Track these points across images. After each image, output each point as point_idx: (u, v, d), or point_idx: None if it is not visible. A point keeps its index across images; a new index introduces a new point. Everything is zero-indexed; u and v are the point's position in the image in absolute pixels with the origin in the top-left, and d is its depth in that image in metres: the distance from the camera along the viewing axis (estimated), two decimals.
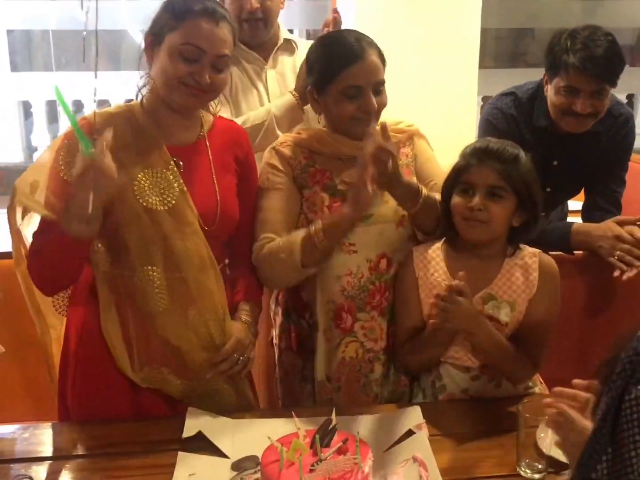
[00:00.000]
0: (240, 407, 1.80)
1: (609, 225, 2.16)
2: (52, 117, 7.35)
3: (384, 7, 3.46)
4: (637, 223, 2.16)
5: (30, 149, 7.50)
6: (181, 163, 1.71)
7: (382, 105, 1.81)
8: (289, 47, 2.50)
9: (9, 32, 7.15)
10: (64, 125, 7.17)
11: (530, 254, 1.80)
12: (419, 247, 1.85)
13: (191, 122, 1.77)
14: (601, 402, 0.92)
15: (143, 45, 1.69)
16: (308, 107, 2.24)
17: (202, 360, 1.73)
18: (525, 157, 1.75)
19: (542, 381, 1.89)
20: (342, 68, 1.76)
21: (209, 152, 1.77)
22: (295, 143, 1.90)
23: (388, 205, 1.84)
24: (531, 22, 7.29)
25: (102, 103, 7.34)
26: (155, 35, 1.66)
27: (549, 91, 2.20)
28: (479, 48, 3.73)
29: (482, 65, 3.74)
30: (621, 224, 2.16)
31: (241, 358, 1.76)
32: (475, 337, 1.71)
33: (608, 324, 2.28)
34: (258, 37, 2.42)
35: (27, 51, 7.97)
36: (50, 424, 1.76)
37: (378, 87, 1.79)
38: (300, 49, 2.48)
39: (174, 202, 1.67)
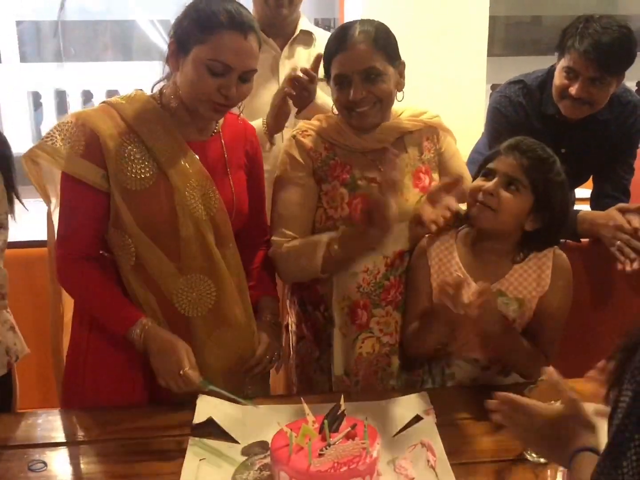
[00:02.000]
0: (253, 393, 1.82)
1: (612, 214, 2.14)
2: (61, 108, 7.37)
3: None
4: (637, 211, 2.13)
5: (39, 139, 7.54)
6: (197, 157, 1.72)
7: (378, 93, 1.79)
8: (307, 38, 2.47)
9: (18, 22, 7.18)
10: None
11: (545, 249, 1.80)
12: (433, 237, 1.84)
13: (207, 123, 1.77)
14: (623, 396, 0.92)
15: (168, 50, 1.68)
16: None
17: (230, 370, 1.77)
18: (559, 167, 1.75)
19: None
20: (332, 57, 1.79)
21: (224, 147, 1.78)
22: (316, 132, 1.88)
23: (408, 203, 1.84)
24: (540, 10, 7.25)
25: (112, 93, 7.37)
26: (180, 44, 1.64)
27: (556, 72, 2.20)
28: (487, 36, 3.73)
29: (490, 53, 3.74)
30: (623, 211, 2.14)
31: (273, 358, 1.81)
32: (492, 332, 1.69)
33: (614, 312, 2.28)
34: (281, 16, 2.38)
35: (36, 42, 7.99)
36: (63, 410, 1.78)
37: (368, 75, 1.77)
38: (318, 41, 2.45)
39: (213, 209, 1.70)
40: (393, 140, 1.87)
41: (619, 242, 2.09)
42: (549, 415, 1.21)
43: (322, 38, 2.43)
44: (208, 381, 1.62)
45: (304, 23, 2.49)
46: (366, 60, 1.76)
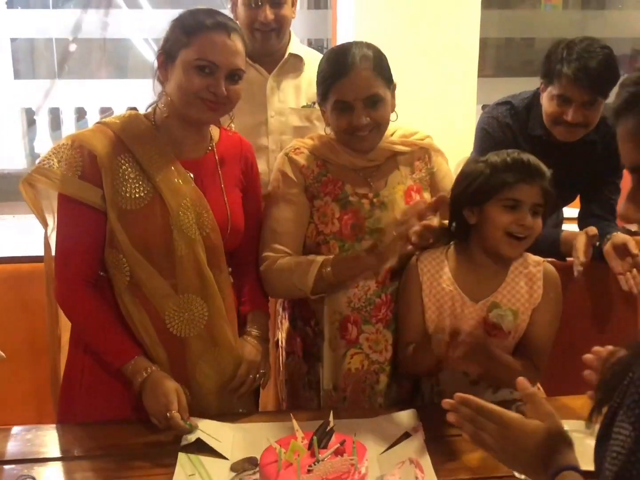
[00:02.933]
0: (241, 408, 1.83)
1: (578, 237, 2.17)
2: (55, 125, 7.39)
3: (384, 17, 3.50)
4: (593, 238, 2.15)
5: (33, 156, 7.52)
6: (192, 175, 1.73)
7: (378, 118, 1.81)
8: (296, 62, 2.47)
9: (13, 40, 7.21)
10: (67, 132, 7.23)
11: (534, 262, 1.83)
12: (424, 253, 1.86)
13: (202, 137, 1.79)
14: (618, 428, 0.91)
15: (156, 64, 1.71)
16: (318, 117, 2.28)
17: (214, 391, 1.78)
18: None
19: (539, 386, 1.90)
20: (332, 82, 1.79)
21: (218, 165, 1.80)
22: (309, 150, 1.90)
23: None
24: (530, 32, 7.33)
25: (105, 110, 7.40)
26: (167, 53, 1.68)
27: (544, 99, 2.23)
28: (477, 57, 3.78)
29: (481, 74, 3.78)
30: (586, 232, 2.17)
31: (257, 376, 1.81)
32: (483, 366, 1.71)
33: (600, 330, 2.31)
34: (270, 47, 2.40)
35: (30, 59, 8.02)
36: (52, 425, 1.78)
37: (370, 101, 1.78)
38: (308, 64, 2.45)
39: (206, 230, 1.71)
40: (384, 160, 1.90)
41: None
42: (525, 428, 1.16)
43: (312, 60, 2.44)
44: (194, 425, 1.63)
45: (294, 46, 2.48)
46: (369, 87, 1.78)
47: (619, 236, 2.20)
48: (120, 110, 7.17)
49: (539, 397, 1.22)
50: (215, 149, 1.81)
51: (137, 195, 1.66)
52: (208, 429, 1.65)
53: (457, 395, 1.24)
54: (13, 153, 7.29)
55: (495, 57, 8.17)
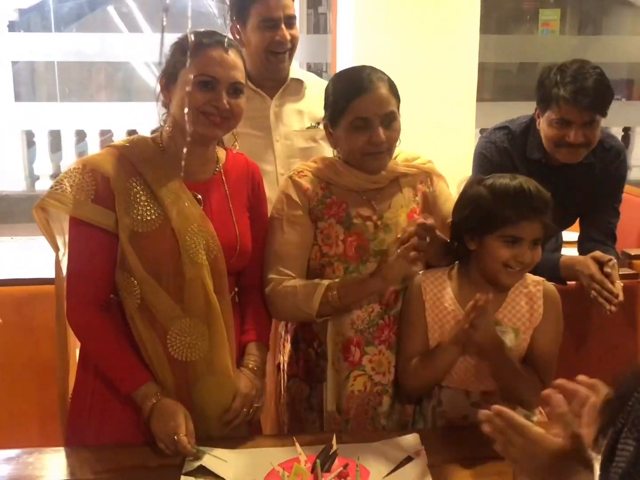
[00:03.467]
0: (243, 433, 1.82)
1: (587, 263, 2.18)
2: (55, 146, 7.43)
3: (384, 42, 3.54)
4: (608, 263, 2.16)
5: (32, 178, 7.56)
6: (200, 197, 1.74)
7: (392, 138, 1.82)
8: (297, 87, 2.47)
9: (14, 63, 7.27)
10: (67, 154, 7.26)
11: (534, 282, 1.84)
12: (427, 272, 1.87)
13: (209, 158, 1.80)
14: (622, 445, 0.91)
15: (158, 88, 1.73)
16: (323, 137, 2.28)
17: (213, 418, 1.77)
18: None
19: (541, 411, 1.90)
20: (350, 100, 1.79)
21: (226, 186, 1.81)
22: (312, 173, 1.91)
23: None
24: (527, 57, 7.42)
25: (105, 133, 7.44)
26: (168, 75, 1.71)
27: (542, 124, 2.25)
28: (476, 82, 3.82)
29: (479, 99, 3.82)
30: (597, 260, 2.18)
31: (251, 410, 1.79)
32: (490, 356, 1.74)
33: (601, 351, 2.31)
34: (281, 70, 2.40)
35: (30, 82, 8.09)
36: (55, 448, 1.77)
37: (387, 120, 1.80)
38: (309, 86, 2.46)
39: (212, 254, 1.72)
40: (387, 182, 1.91)
41: (592, 291, 2.13)
42: (549, 446, 1.18)
43: (312, 83, 2.47)
44: (201, 449, 1.63)
45: (295, 70, 2.49)
46: (388, 104, 1.80)
47: (597, 253, 2.21)
48: (120, 132, 7.23)
49: (570, 417, 1.22)
50: (222, 170, 1.82)
51: (148, 218, 1.67)
52: (211, 455, 1.65)
53: (493, 407, 1.25)
54: (12, 175, 7.32)
55: (493, 81, 8.25)
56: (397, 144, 1.89)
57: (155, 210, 1.68)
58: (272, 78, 2.42)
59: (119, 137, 7.17)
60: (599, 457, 1.24)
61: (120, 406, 1.73)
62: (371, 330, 1.87)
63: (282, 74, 2.42)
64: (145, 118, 6.65)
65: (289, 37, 2.32)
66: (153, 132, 1.81)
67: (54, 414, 1.87)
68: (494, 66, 7.78)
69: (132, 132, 7.25)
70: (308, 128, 2.43)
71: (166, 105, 1.75)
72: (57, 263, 1.80)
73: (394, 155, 1.92)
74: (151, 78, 8.29)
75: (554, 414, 1.24)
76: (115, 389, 1.72)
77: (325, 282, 1.81)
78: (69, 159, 7.18)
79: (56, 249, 1.78)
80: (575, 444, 1.17)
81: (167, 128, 1.76)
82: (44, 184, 7.55)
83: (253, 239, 1.85)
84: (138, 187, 1.69)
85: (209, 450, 1.65)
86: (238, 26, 2.36)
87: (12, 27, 7.29)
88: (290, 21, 2.33)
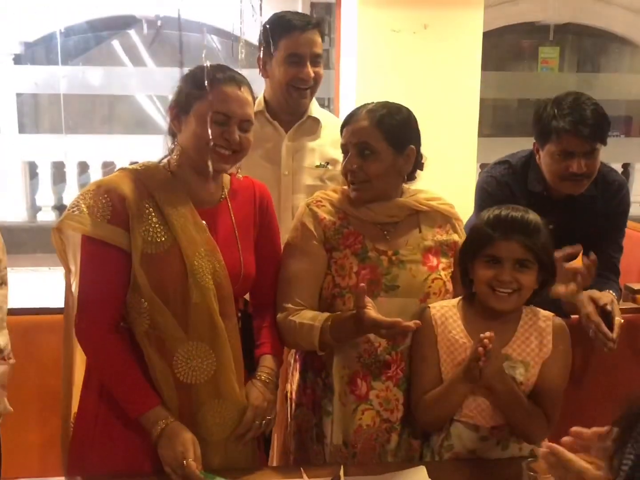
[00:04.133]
0: (248, 463, 1.81)
1: (584, 302, 2.18)
2: (58, 178, 7.48)
3: (386, 78, 3.58)
4: (604, 307, 2.16)
5: (34, 209, 7.60)
6: (205, 224, 1.76)
7: (369, 170, 1.84)
8: (313, 125, 2.48)
9: (18, 95, 7.35)
10: (70, 185, 7.30)
11: (544, 317, 1.84)
12: (436, 305, 1.86)
13: (215, 187, 1.82)
14: (625, 461, 0.94)
15: (168, 117, 1.77)
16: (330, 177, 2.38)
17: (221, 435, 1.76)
18: (542, 222, 1.80)
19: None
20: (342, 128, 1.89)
21: (231, 212, 1.83)
22: (330, 203, 1.93)
23: (415, 280, 1.86)
24: (527, 93, 7.51)
25: (108, 165, 7.49)
26: (180, 106, 1.75)
27: (543, 158, 2.27)
28: (478, 117, 3.86)
29: (479, 134, 3.86)
30: (595, 299, 2.19)
31: (263, 422, 1.79)
32: (497, 391, 1.74)
33: (604, 388, 2.30)
34: (301, 105, 2.42)
35: (34, 113, 8.16)
36: (55, 479, 1.76)
37: (362, 151, 1.85)
38: (325, 126, 2.48)
39: (219, 279, 1.74)
40: (404, 217, 1.91)
41: (590, 331, 2.14)
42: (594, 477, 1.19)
43: (329, 124, 2.47)
44: (210, 474, 1.63)
45: (314, 109, 2.51)
46: (362, 135, 1.85)
47: (595, 293, 2.21)
48: (122, 164, 7.25)
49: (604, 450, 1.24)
50: (228, 197, 1.85)
51: (158, 240, 1.69)
52: None
53: (544, 444, 1.29)
54: (14, 206, 7.36)
55: (492, 117, 8.34)
56: (410, 180, 1.95)
57: (165, 232, 1.70)
58: (290, 112, 2.45)
59: None
60: None
61: (125, 432, 1.72)
62: (378, 365, 1.86)
63: (301, 109, 2.45)
64: (147, 150, 6.72)
65: (312, 75, 2.36)
66: (162, 159, 1.83)
67: (56, 444, 1.85)
68: (493, 102, 7.87)
69: (134, 164, 7.28)
70: (317, 166, 2.45)
71: (174, 134, 1.79)
72: (68, 287, 1.82)
73: (415, 192, 1.95)
74: (154, 111, 8.38)
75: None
76: (120, 413, 1.71)
77: (318, 323, 1.80)
78: (71, 191, 7.23)
79: (68, 271, 1.80)
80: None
81: (175, 157, 1.78)
82: (45, 215, 7.59)
83: (264, 257, 1.87)
84: (150, 209, 1.71)
85: (216, 477, 1.64)
86: (265, 56, 2.40)
87: (17, 60, 7.39)
88: (316, 59, 2.37)
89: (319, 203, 1.93)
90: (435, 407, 1.82)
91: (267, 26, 2.35)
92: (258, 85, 2.40)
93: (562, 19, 8.73)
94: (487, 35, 3.81)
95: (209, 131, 1.70)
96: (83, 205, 1.69)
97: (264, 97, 2.47)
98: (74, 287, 1.78)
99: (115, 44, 8.07)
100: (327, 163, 2.43)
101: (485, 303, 1.80)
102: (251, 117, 1.76)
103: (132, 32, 7.97)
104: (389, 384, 1.87)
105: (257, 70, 2.42)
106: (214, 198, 1.82)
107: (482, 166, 5.28)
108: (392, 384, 1.87)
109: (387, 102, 1.91)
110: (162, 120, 8.65)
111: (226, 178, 1.87)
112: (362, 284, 1.74)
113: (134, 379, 1.69)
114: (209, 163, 1.73)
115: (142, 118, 8.05)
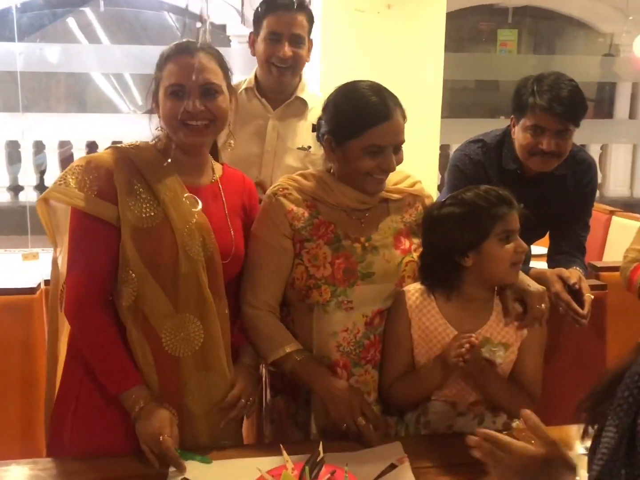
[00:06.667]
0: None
1: (552, 280, 2.20)
2: (13, 158, 7.32)
3: (350, 58, 3.61)
4: (573, 285, 2.19)
5: None
6: (199, 201, 1.77)
7: (399, 163, 1.83)
8: (300, 105, 2.55)
9: None
10: (25, 165, 7.14)
11: None
12: (410, 289, 1.87)
13: (204, 165, 1.84)
14: (606, 432, 0.97)
15: (152, 104, 1.81)
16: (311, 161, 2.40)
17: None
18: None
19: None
20: (369, 127, 1.75)
21: (223, 195, 1.84)
22: (299, 189, 1.88)
23: (389, 265, 1.87)
24: (486, 75, 7.58)
25: (65, 144, 7.35)
26: (154, 90, 1.78)
27: (516, 133, 2.32)
28: (441, 99, 3.89)
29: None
30: (563, 277, 2.21)
31: (248, 402, 1.81)
32: (477, 377, 1.78)
33: (569, 363, 2.36)
34: (283, 83, 2.50)
35: None
36: (33, 460, 1.74)
37: (399, 147, 1.81)
38: (312, 109, 2.52)
39: (209, 252, 1.75)
40: (376, 203, 1.90)
41: (560, 309, 2.18)
42: (530, 455, 1.25)
43: (317, 107, 2.41)
44: (185, 452, 1.64)
45: (305, 90, 2.56)
46: (402, 133, 1.81)
47: (563, 272, 2.24)
48: (79, 144, 7.15)
49: (543, 428, 1.29)
50: (219, 181, 1.86)
51: (147, 215, 1.70)
52: (195, 461, 1.65)
53: (479, 431, 1.32)
54: None
55: (451, 99, 8.39)
56: None
57: (154, 207, 1.71)
58: (278, 91, 2.52)
59: (78, 149, 7.11)
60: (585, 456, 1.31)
61: (106, 411, 1.73)
62: (357, 351, 1.86)
63: (285, 88, 2.52)
64: (105, 130, 6.64)
65: (289, 54, 2.42)
66: (152, 140, 1.85)
67: (37, 425, 1.84)
68: (452, 84, 7.92)
69: (91, 144, 7.19)
70: (299, 148, 2.47)
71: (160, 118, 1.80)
72: (54, 261, 1.82)
73: None
74: (110, 90, 8.25)
75: (529, 427, 1.31)
76: (101, 392, 1.71)
77: (289, 349, 1.83)
78: (27, 171, 7.09)
79: (55, 244, 1.80)
80: (554, 450, 1.25)
81: (162, 139, 1.81)
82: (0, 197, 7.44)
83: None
84: (139, 185, 1.72)
85: (193, 455, 1.65)
86: (254, 34, 2.50)
87: None
88: (296, 39, 2.44)
89: (286, 191, 1.88)
90: (407, 392, 1.85)
91: (257, 6, 2.46)
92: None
93: (520, 1, 8.82)
94: (447, 17, 3.85)
95: (171, 106, 1.72)
96: (70, 179, 1.70)
97: (255, 75, 2.55)
98: (60, 262, 1.78)
99: (71, 21, 7.91)
100: (310, 147, 2.48)
101: (502, 281, 1.82)
102: (211, 81, 1.74)
103: (87, 10, 7.82)
104: (367, 367, 1.89)
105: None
106: (204, 178, 1.83)
107: (442, 147, 5.33)
108: (371, 367, 1.89)
109: (377, 83, 1.86)
110: (118, 99, 8.55)
111: (217, 166, 1.89)
112: None
113: (119, 355, 1.70)
114: (182, 138, 1.74)
115: (99, 97, 7.92)
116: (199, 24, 2.67)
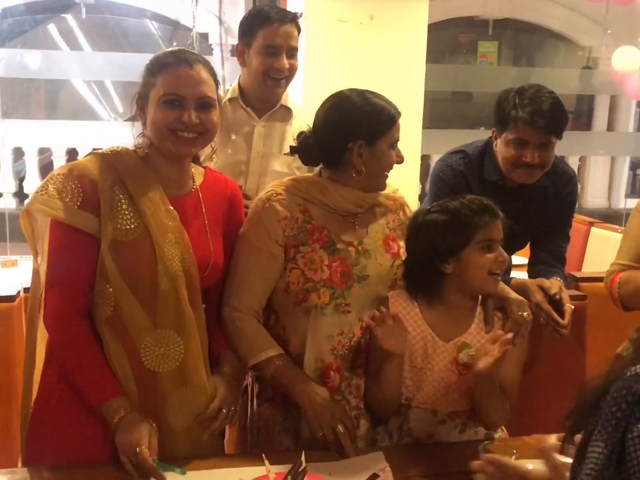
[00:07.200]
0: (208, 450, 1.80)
1: (533, 290, 2.19)
2: None
3: (332, 68, 3.62)
4: (554, 296, 2.18)
5: None
6: (175, 211, 1.74)
7: (400, 162, 1.88)
8: (285, 114, 2.57)
9: None
10: (4, 171, 7.08)
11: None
12: (394, 294, 1.88)
13: (184, 174, 1.81)
14: (592, 447, 0.96)
15: (135, 109, 1.77)
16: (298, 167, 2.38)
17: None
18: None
19: (503, 428, 1.94)
20: (386, 131, 1.83)
21: (202, 203, 1.81)
22: (290, 194, 1.87)
23: (382, 268, 1.88)
24: (467, 86, 7.65)
25: (44, 151, 7.30)
26: (142, 97, 1.74)
27: (499, 145, 2.33)
28: (422, 109, 3.92)
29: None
30: (544, 290, 2.20)
31: (230, 412, 1.78)
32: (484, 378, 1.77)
33: (549, 373, 2.37)
34: (276, 95, 2.52)
35: None
36: (10, 470, 1.71)
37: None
38: (296, 116, 2.55)
39: (187, 266, 1.72)
40: (367, 207, 1.91)
41: (541, 319, 2.17)
42: (535, 477, 1.26)
43: (300, 114, 2.55)
44: (162, 464, 1.61)
45: (288, 99, 2.59)
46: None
47: (544, 282, 2.24)
48: (59, 151, 7.10)
49: (550, 451, 1.30)
50: (199, 189, 1.83)
51: (128, 227, 1.68)
52: (174, 472, 1.63)
53: (484, 456, 1.34)
54: None
55: (430, 110, 8.45)
56: None
57: (135, 219, 1.69)
58: (265, 100, 2.53)
59: (58, 156, 7.05)
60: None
61: (85, 420, 1.70)
62: (351, 355, 1.86)
63: (274, 98, 2.53)
64: (85, 137, 6.60)
65: (287, 66, 2.45)
66: (133, 147, 1.81)
67: (14, 434, 1.82)
68: (431, 95, 7.98)
69: (71, 151, 7.14)
70: (285, 154, 2.47)
71: (143, 123, 1.77)
72: (35, 270, 1.79)
73: None
74: (91, 97, 8.20)
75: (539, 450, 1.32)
76: (79, 400, 1.69)
77: (272, 352, 1.82)
78: (5, 178, 7.02)
79: (36, 254, 1.77)
80: (559, 475, 1.25)
81: (144, 146, 1.77)
82: None
83: (227, 255, 1.85)
84: (121, 196, 1.70)
85: (171, 467, 1.62)
86: (243, 46, 2.49)
87: None
88: (291, 52, 2.46)
89: (280, 197, 1.87)
90: (378, 396, 1.85)
91: (247, 17, 2.48)
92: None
93: (501, 14, 8.91)
94: (428, 28, 3.87)
95: (165, 115, 1.69)
96: (51, 188, 1.67)
97: (239, 85, 2.55)
98: (41, 271, 1.75)
99: (52, 27, 7.86)
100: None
101: (481, 290, 1.83)
102: (207, 94, 1.73)
103: (69, 17, 7.78)
104: (359, 372, 1.88)
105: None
106: (185, 188, 1.81)
107: (423, 158, 5.36)
108: (363, 371, 1.89)
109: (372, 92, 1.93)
110: (99, 106, 8.50)
111: (199, 172, 1.86)
112: None
113: (98, 366, 1.68)
114: (171, 147, 1.72)
115: (80, 104, 7.87)
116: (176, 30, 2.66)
